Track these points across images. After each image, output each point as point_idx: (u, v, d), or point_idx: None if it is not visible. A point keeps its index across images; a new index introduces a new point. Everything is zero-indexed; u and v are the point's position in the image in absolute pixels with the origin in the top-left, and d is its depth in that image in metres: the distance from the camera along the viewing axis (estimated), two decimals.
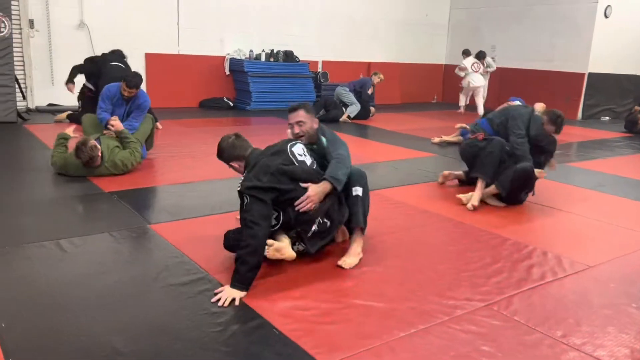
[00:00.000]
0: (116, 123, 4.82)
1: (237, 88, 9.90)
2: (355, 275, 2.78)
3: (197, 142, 6.24)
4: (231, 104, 9.71)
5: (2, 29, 6.89)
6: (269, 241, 2.59)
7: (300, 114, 3.07)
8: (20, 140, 5.96)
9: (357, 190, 2.97)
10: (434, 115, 10.17)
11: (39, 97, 8.18)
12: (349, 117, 8.79)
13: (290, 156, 2.81)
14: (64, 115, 7.13)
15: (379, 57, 11.79)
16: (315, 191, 2.74)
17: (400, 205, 4.10)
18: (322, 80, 10.58)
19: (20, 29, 7.88)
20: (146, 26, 8.88)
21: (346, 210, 2.95)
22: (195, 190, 4.23)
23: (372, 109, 9.33)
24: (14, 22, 7.68)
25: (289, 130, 3.11)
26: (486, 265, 3.00)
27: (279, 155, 2.79)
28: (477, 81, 10.18)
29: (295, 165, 2.78)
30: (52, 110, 7.88)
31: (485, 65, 10.43)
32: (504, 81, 11.55)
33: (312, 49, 10.70)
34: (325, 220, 2.81)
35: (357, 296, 2.54)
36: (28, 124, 6.90)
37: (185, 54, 9.42)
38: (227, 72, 9.83)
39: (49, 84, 8.14)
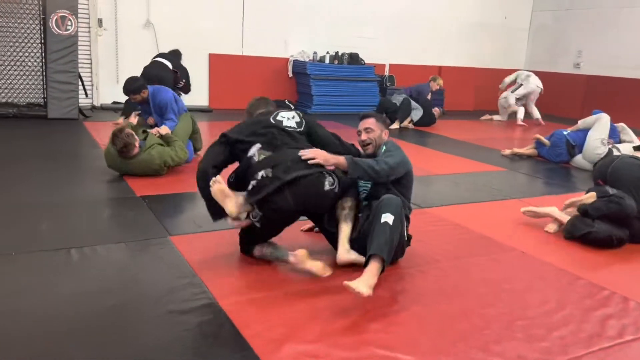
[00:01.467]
0: (160, 129, 4.74)
1: (299, 91, 9.65)
2: (384, 315, 2.34)
3: None
4: (292, 106, 9.46)
5: (69, 27, 7.00)
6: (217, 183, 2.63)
7: (370, 122, 3.04)
8: (73, 138, 5.97)
9: (387, 217, 2.50)
10: (508, 125, 9.42)
11: (104, 95, 8.31)
12: (412, 122, 8.27)
13: (271, 118, 2.87)
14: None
15: (451, 61, 11.15)
16: (324, 153, 2.70)
17: (454, 228, 3.61)
18: (388, 84, 10.10)
19: (89, 27, 8.02)
20: (211, 26, 8.81)
21: (328, 199, 2.71)
22: None
23: (437, 110, 8.78)
24: (83, 21, 7.85)
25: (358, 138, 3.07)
26: (549, 312, 2.47)
27: (264, 115, 2.93)
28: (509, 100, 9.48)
29: (270, 124, 2.84)
30: (115, 108, 7.96)
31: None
32: (591, 90, 10.56)
33: (380, 52, 10.25)
34: (271, 175, 2.59)
35: (382, 344, 2.10)
36: (88, 121, 6.96)
37: (248, 55, 9.27)
38: (290, 75, 9.59)
39: (114, 82, 8.23)
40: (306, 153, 2.66)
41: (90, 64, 8.08)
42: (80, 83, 7.19)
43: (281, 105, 8.36)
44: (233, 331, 2.13)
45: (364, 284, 2.31)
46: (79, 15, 7.58)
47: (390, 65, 10.60)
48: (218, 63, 9.03)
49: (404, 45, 10.57)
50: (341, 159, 2.71)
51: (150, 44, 8.43)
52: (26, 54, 7.15)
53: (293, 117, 2.91)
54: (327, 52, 9.53)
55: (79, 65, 7.49)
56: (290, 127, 2.84)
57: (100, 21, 8.11)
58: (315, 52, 9.50)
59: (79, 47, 7.46)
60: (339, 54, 9.56)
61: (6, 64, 7.07)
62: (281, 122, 2.86)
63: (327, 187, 2.63)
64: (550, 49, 11.62)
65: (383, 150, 2.94)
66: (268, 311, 2.28)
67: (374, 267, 2.41)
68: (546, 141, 6.24)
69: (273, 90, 9.48)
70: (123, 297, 2.37)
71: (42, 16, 7.02)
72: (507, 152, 6.47)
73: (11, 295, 2.33)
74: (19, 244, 2.88)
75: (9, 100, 7.08)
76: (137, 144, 4.27)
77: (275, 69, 9.52)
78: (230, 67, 9.09)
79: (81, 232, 3.11)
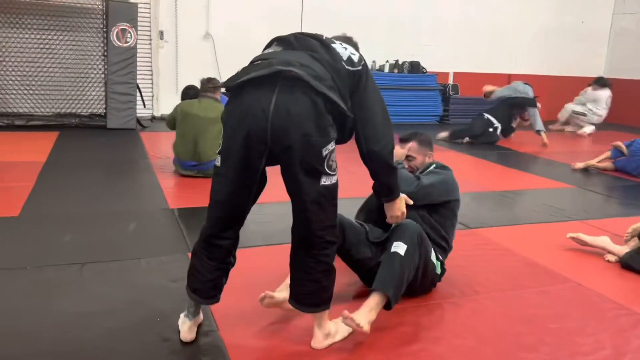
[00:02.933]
0: None
1: None
2: (399, 356, 2.06)
3: None
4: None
5: (128, 40, 7.18)
6: None
7: (411, 147, 2.68)
8: (125, 148, 6.04)
9: (398, 247, 2.19)
10: (585, 136, 8.70)
11: (165, 106, 8.46)
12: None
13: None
14: None
15: (522, 68, 10.51)
16: (398, 205, 2.30)
17: (502, 253, 3.23)
18: (451, 93, 9.66)
19: (151, 40, 8.22)
20: (270, 37, 8.74)
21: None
22: (263, 212, 3.71)
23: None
24: (145, 33, 8.06)
25: None
26: None
27: None
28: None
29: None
30: None
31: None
32: None
33: (443, 60, 9.83)
34: (266, 59, 1.93)
35: None
36: (145, 132, 7.08)
37: None
38: None
39: (174, 93, 8.36)
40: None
41: (151, 75, 8.27)
42: (138, 94, 7.35)
43: None
44: None
45: (363, 317, 2.06)
46: (142, 28, 7.81)
47: (455, 73, 10.15)
48: None
49: (470, 52, 10.07)
50: (399, 197, 2.25)
51: (210, 56, 8.53)
52: (89, 66, 7.41)
53: (350, 52, 2.00)
54: (387, 61, 9.25)
55: (141, 76, 7.71)
56: (342, 58, 1.96)
57: (161, 33, 8.29)
58: (374, 61, 9.24)
59: (141, 59, 7.68)
60: (399, 62, 9.25)
61: (71, 75, 7.35)
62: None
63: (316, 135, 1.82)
64: (632, 54, 10.70)
65: (426, 172, 2.65)
66: (268, 351, 2.06)
67: (373, 301, 2.13)
68: (624, 148, 5.64)
69: None
70: (121, 320, 2.23)
71: (104, 29, 7.26)
72: (580, 165, 5.88)
73: (12, 313, 2.26)
74: (37, 256, 2.85)
75: (73, 111, 7.35)
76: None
77: None
78: None
79: (101, 246, 3.03)
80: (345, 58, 1.95)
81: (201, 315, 2.16)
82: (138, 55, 7.49)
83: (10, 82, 7.23)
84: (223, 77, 8.51)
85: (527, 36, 10.52)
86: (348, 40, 2.15)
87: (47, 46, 7.28)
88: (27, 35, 7.21)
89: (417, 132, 2.74)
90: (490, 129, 7.41)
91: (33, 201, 3.80)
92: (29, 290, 2.47)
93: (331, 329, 2.08)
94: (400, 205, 2.25)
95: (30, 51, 7.23)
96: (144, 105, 7.58)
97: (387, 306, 2.15)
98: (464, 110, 9.71)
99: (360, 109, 1.98)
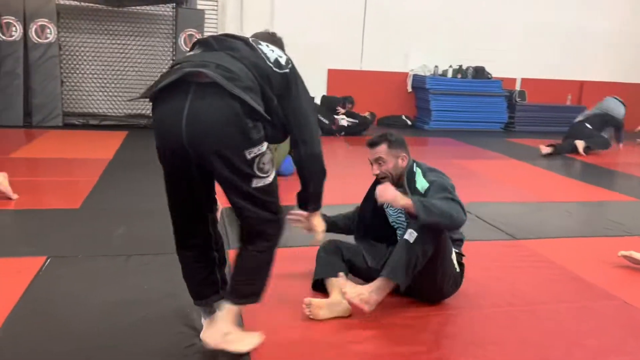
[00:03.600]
0: None
1: (418, 106, 9.31)
2: None
3: (360, 162, 5.85)
4: (409, 122, 9.17)
5: None
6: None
7: (380, 150, 2.45)
8: None
9: (410, 234, 2.20)
10: None
11: None
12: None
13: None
14: None
15: (595, 75, 9.99)
16: (392, 192, 2.23)
17: (546, 265, 3.11)
18: (517, 99, 9.34)
19: None
20: (331, 41, 8.87)
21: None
22: None
23: None
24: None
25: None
26: None
27: None
28: None
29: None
30: None
31: None
32: None
33: (510, 65, 9.52)
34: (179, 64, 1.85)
35: None
36: None
37: (367, 70, 9.19)
38: (409, 89, 9.31)
39: None
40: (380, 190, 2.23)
41: None
42: None
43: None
44: None
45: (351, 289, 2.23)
46: (210, 32, 8.13)
47: (522, 79, 9.82)
48: (336, 78, 9.06)
49: (538, 57, 9.70)
50: (409, 202, 2.18)
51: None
52: (159, 70, 7.79)
53: (277, 54, 1.95)
54: (450, 66, 9.10)
55: None
56: (269, 59, 1.91)
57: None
58: (436, 66, 9.12)
59: None
60: (463, 67, 9.07)
61: (142, 78, 7.77)
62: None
63: (249, 129, 1.78)
64: None
65: (426, 184, 2.36)
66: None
67: (382, 282, 2.23)
68: None
69: (391, 106, 9.29)
70: (156, 310, 2.36)
71: (174, 35, 7.63)
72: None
73: (55, 297, 2.45)
74: (90, 246, 3.06)
75: (142, 112, 7.77)
76: None
77: (394, 84, 9.31)
78: (348, 82, 9.05)
79: (150, 240, 3.20)
80: (272, 60, 1.91)
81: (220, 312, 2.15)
82: None
83: (88, 84, 7.76)
84: None
85: (602, 40, 9.99)
86: (273, 38, 2.13)
87: (121, 50, 7.76)
88: (104, 41, 7.71)
89: (385, 133, 2.51)
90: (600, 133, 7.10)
91: (94, 195, 4.07)
92: (77, 277, 2.66)
93: (231, 333, 1.97)
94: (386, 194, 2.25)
95: (106, 55, 7.73)
96: None
97: (397, 289, 2.25)
98: (531, 117, 9.39)
99: (294, 113, 1.96)
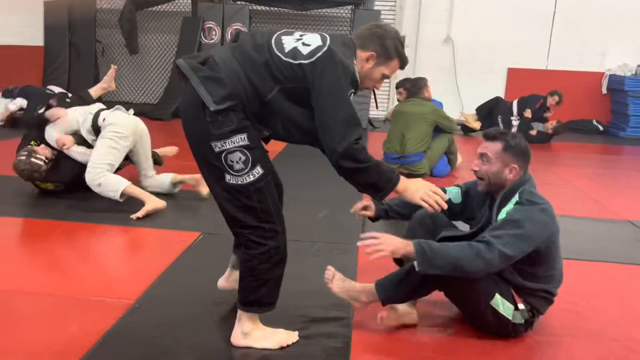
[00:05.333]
0: None
1: (614, 110, 8.26)
2: None
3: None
4: (601, 128, 8.17)
5: None
6: None
7: (492, 147, 2.11)
8: None
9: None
10: None
11: None
12: None
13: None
14: None
15: None
16: (391, 241, 1.92)
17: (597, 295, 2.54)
18: None
19: None
20: (512, 40, 8.32)
21: None
22: None
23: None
24: None
25: None
26: None
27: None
28: None
29: None
30: None
31: None
32: None
33: None
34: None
35: None
36: (375, 132, 7.47)
37: (553, 70, 8.42)
38: (604, 91, 8.30)
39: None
40: (366, 238, 1.93)
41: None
42: (372, 96, 7.75)
43: None
44: None
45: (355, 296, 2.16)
46: None
47: None
48: (517, 78, 8.48)
49: None
50: (411, 250, 1.90)
51: (448, 59, 8.53)
52: None
53: (303, 44, 1.85)
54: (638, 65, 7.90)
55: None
56: (284, 51, 1.84)
57: (403, 38, 8.58)
58: (639, 66, 7.97)
59: None
60: None
61: None
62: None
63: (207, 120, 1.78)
64: None
65: (505, 212, 2.04)
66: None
67: (373, 289, 2.12)
68: None
69: (580, 109, 8.40)
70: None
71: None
72: None
73: (194, 267, 2.75)
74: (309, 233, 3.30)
75: None
76: None
77: (585, 85, 8.38)
78: (531, 82, 8.37)
79: (289, 227, 3.36)
80: (287, 49, 1.82)
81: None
82: None
83: None
84: (459, 80, 8.46)
85: None
86: (343, 40, 1.92)
87: None
88: None
89: (511, 133, 2.16)
90: None
91: None
92: (220, 251, 2.91)
93: (254, 331, 2.00)
94: (414, 187, 1.91)
95: None
96: (377, 106, 7.96)
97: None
98: None
99: (318, 113, 1.81)
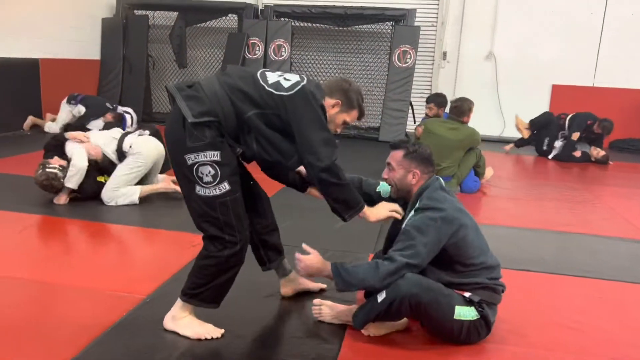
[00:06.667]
0: None
1: None
2: None
3: (562, 186, 5.35)
4: None
5: (407, 60, 7.73)
6: None
7: (394, 155, 2.32)
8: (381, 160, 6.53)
9: (380, 295, 2.09)
10: None
11: None
12: None
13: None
14: None
15: None
16: (310, 262, 2.20)
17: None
18: None
19: (433, 60, 8.62)
20: (558, 56, 8.18)
21: None
22: None
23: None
24: (429, 53, 8.52)
25: None
26: None
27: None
28: None
29: None
30: None
31: None
32: None
33: None
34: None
35: None
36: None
37: (601, 87, 8.19)
38: None
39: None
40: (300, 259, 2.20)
41: (430, 93, 8.67)
42: (410, 111, 7.82)
43: None
44: None
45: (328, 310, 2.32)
46: (425, 49, 8.30)
47: None
48: (562, 95, 8.30)
49: None
50: (326, 270, 2.17)
51: (490, 75, 8.46)
52: (374, 84, 8.25)
53: (284, 79, 2.12)
54: None
55: (419, 94, 8.20)
56: (267, 82, 2.10)
57: (444, 54, 8.61)
58: None
59: (422, 79, 8.17)
60: None
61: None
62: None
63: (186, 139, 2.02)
64: None
65: (407, 219, 2.22)
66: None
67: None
68: None
69: (629, 127, 8.13)
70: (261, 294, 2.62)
71: (389, 51, 7.99)
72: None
73: (183, 274, 2.86)
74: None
75: (354, 123, 8.28)
76: None
77: (633, 103, 8.11)
78: (576, 99, 8.19)
79: (306, 234, 3.42)
80: (270, 82, 2.09)
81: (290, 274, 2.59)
82: (420, 74, 8.00)
83: None
84: (501, 96, 8.39)
85: None
86: (317, 84, 2.19)
87: (343, 66, 8.43)
88: (329, 57, 8.50)
89: (414, 142, 2.36)
90: None
91: (280, 193, 4.56)
92: None
93: (182, 319, 2.19)
94: (377, 212, 2.24)
95: (330, 70, 8.48)
96: (414, 121, 8.02)
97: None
98: None
99: (297, 136, 2.06)
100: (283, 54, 8.18)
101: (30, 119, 7.01)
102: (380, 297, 2.09)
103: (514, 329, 2.35)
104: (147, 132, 4.22)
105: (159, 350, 2.10)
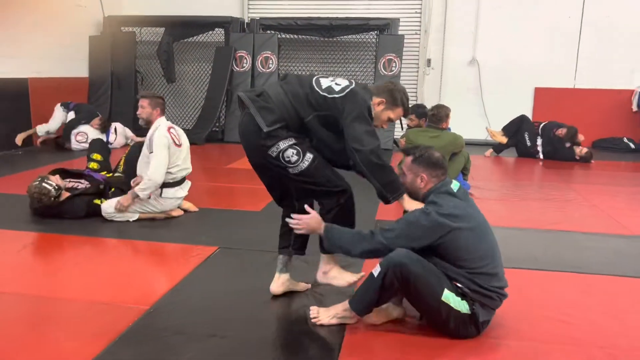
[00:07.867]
0: None
1: None
2: None
3: (547, 185, 5.51)
4: (632, 145, 8.06)
5: (393, 68, 7.87)
6: None
7: (406, 161, 2.48)
8: None
9: (377, 270, 2.23)
10: None
11: None
12: None
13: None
14: None
15: None
16: (309, 221, 2.41)
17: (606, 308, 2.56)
18: None
19: (418, 67, 8.79)
20: (538, 59, 8.36)
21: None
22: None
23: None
24: (413, 61, 8.68)
25: None
26: None
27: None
28: None
29: None
30: None
31: None
32: None
33: None
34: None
35: None
36: (399, 152, 7.62)
37: (581, 88, 8.39)
38: (635, 109, 8.21)
39: None
40: (296, 219, 2.42)
41: (416, 100, 8.81)
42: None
43: None
44: None
45: (323, 314, 2.43)
46: (410, 56, 8.46)
47: None
48: (544, 97, 8.49)
49: None
50: (320, 229, 2.41)
51: (473, 80, 8.63)
52: None
53: (335, 83, 2.47)
54: None
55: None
56: (321, 87, 2.46)
57: (429, 61, 8.77)
58: None
59: (407, 86, 8.29)
60: None
61: None
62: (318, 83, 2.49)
63: (261, 139, 2.42)
64: None
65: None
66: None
67: (341, 308, 2.41)
68: None
69: (610, 127, 8.34)
70: (277, 298, 2.70)
71: (375, 60, 8.13)
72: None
73: (207, 280, 2.97)
74: (257, 241, 3.53)
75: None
76: None
77: (614, 103, 8.33)
78: (558, 101, 8.39)
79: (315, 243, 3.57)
80: (324, 87, 2.45)
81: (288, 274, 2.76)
82: (405, 82, 8.14)
83: None
84: (485, 100, 8.56)
85: None
86: (364, 86, 2.52)
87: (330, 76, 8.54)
88: (316, 68, 8.61)
89: (420, 148, 2.47)
90: None
91: None
92: (233, 266, 3.15)
93: (331, 270, 2.63)
94: (414, 203, 2.42)
95: None
96: (402, 128, 8.13)
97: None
98: None
99: (346, 129, 2.38)
100: (270, 66, 8.29)
101: (20, 136, 7.08)
102: (376, 272, 2.22)
103: (507, 324, 2.44)
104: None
105: (167, 356, 2.17)
